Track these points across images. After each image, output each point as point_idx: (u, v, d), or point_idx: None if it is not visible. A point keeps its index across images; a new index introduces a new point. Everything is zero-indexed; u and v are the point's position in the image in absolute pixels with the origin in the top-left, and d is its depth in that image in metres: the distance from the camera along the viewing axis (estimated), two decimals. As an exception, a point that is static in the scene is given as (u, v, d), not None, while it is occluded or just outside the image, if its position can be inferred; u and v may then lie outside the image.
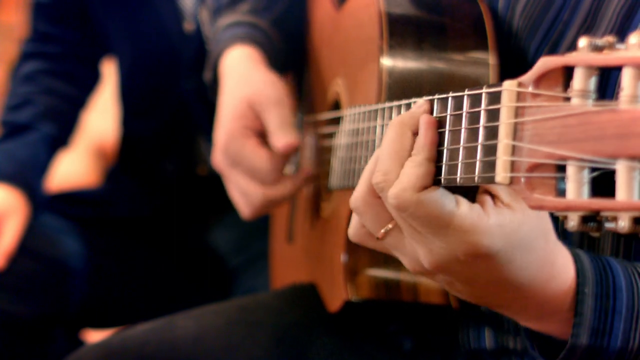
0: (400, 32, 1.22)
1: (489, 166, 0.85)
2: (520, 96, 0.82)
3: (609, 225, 0.74)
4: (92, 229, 2.12)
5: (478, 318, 1.29)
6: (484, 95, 0.88)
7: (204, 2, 1.87)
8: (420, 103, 0.99)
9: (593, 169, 0.76)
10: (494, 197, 0.94)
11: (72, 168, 2.94)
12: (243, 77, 1.53)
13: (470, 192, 0.95)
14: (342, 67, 1.45)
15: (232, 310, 1.44)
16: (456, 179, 0.91)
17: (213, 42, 1.64)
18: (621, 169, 0.71)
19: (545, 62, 0.80)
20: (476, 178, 0.88)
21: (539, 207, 0.78)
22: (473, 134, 0.89)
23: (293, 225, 1.67)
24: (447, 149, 0.94)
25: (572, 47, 1.14)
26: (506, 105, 0.83)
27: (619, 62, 0.73)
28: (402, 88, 1.20)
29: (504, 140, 0.82)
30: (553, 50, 1.17)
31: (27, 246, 1.98)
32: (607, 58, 0.74)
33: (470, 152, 0.89)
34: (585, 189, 0.75)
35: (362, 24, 1.33)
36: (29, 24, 2.22)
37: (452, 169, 0.92)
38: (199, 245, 2.20)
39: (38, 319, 1.96)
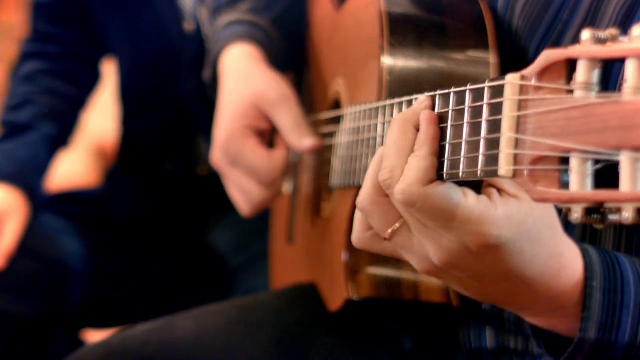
0: (401, 31, 1.22)
1: (492, 160, 0.85)
2: (523, 89, 0.82)
3: (612, 217, 0.74)
4: (92, 229, 2.12)
5: (479, 317, 1.29)
6: (486, 90, 0.88)
7: (204, 1, 1.87)
8: (421, 99, 0.99)
9: (596, 161, 0.76)
10: (499, 190, 0.94)
11: (72, 168, 2.94)
12: (244, 75, 1.53)
13: (475, 188, 0.95)
14: (342, 67, 1.46)
15: (232, 310, 1.44)
16: (459, 173, 0.91)
17: (212, 41, 1.64)
18: (625, 160, 0.71)
19: (548, 55, 0.80)
20: (479, 172, 0.88)
21: (542, 200, 0.78)
22: (475, 128, 0.89)
23: (293, 226, 1.67)
24: (450, 144, 0.94)
25: (572, 47, 1.14)
26: (509, 98, 0.83)
27: (622, 54, 0.73)
28: (402, 87, 1.20)
29: (507, 134, 0.82)
30: None
31: (27, 246, 1.98)
32: (611, 50, 0.74)
33: (473, 146, 0.89)
34: (589, 181, 0.75)
35: (363, 24, 1.33)
36: (29, 24, 2.22)
37: (455, 164, 0.92)
38: (199, 245, 2.20)
39: (38, 319, 1.95)
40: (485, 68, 1.20)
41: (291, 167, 1.56)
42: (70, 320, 2.04)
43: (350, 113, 1.32)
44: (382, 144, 1.15)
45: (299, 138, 1.46)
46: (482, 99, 0.89)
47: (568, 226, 1.01)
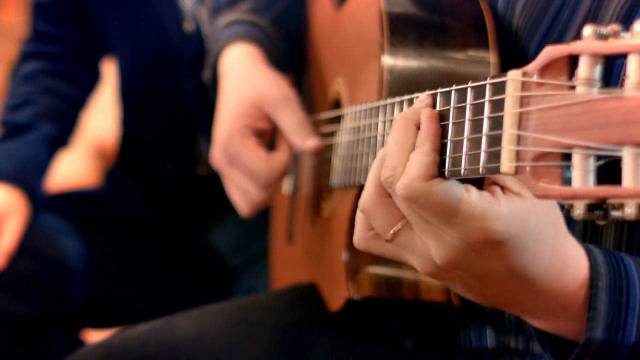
0: (401, 30, 1.22)
1: (494, 156, 0.85)
2: (525, 86, 0.82)
3: (615, 213, 0.74)
4: (92, 229, 2.12)
5: (479, 317, 1.29)
6: (488, 87, 0.88)
7: (203, 1, 1.87)
8: (422, 98, 0.99)
9: (598, 157, 0.75)
10: (502, 187, 0.93)
11: (72, 168, 2.94)
12: (244, 75, 1.53)
13: (478, 185, 0.94)
14: (342, 67, 1.46)
15: (232, 310, 1.44)
16: (460, 170, 0.91)
17: (212, 41, 1.64)
18: (627, 156, 0.71)
19: (549, 52, 0.80)
20: (481, 169, 0.88)
21: (544, 196, 0.78)
22: (477, 125, 0.89)
23: (293, 226, 1.67)
24: (451, 141, 0.93)
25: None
26: (511, 95, 0.83)
27: (624, 50, 0.73)
28: (403, 86, 1.20)
29: (508, 130, 0.82)
30: None
31: (27, 246, 1.98)
32: (612, 46, 0.74)
33: (475, 143, 0.89)
34: (591, 177, 0.75)
35: (363, 24, 1.33)
36: (29, 24, 2.22)
37: (456, 161, 0.92)
38: (199, 245, 2.20)
39: (38, 319, 1.95)
40: (486, 67, 1.20)
41: (290, 170, 1.56)
42: (70, 320, 2.04)
43: (350, 112, 1.32)
44: (382, 142, 1.15)
45: (302, 139, 1.46)
46: (483, 96, 0.89)
47: (570, 223, 1.01)
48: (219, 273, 2.18)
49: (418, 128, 0.97)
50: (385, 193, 0.98)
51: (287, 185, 1.61)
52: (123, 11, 2.12)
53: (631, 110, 0.71)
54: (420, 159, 0.93)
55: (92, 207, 2.17)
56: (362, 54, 1.32)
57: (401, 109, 1.09)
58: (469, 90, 0.92)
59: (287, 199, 1.70)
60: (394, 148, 0.96)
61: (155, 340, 1.38)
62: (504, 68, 1.20)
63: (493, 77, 0.87)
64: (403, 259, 1.02)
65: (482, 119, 0.88)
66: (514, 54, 1.22)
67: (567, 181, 0.78)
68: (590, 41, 0.76)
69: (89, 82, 2.23)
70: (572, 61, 0.78)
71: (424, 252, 0.97)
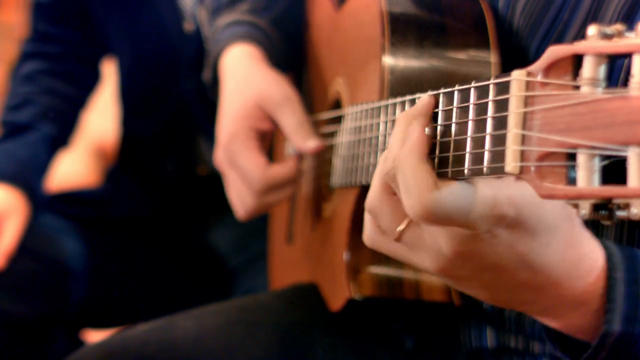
0: (402, 30, 1.22)
1: (498, 156, 0.85)
2: (529, 85, 0.82)
3: (620, 213, 0.74)
4: (92, 229, 2.12)
5: (480, 317, 1.29)
6: (491, 86, 0.88)
7: (203, 1, 1.87)
8: (424, 98, 0.99)
9: (603, 157, 0.75)
10: None
11: (72, 168, 2.94)
12: (245, 75, 1.53)
13: None
14: (342, 67, 1.46)
15: (232, 310, 1.43)
16: (464, 170, 0.91)
17: (212, 42, 1.64)
18: (632, 155, 0.71)
19: (554, 51, 0.80)
20: (485, 169, 0.87)
21: (550, 196, 0.78)
22: (480, 125, 0.89)
23: (292, 226, 1.67)
24: (454, 141, 0.93)
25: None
26: (515, 94, 0.83)
27: (628, 50, 0.73)
28: (404, 86, 1.20)
29: (513, 130, 0.82)
30: None
31: (27, 246, 1.98)
32: (617, 45, 0.74)
33: (478, 143, 0.89)
34: (596, 177, 0.75)
35: (363, 24, 1.33)
36: (29, 24, 2.22)
37: (460, 161, 0.92)
38: (199, 245, 2.20)
39: (38, 319, 1.96)
40: (486, 67, 1.20)
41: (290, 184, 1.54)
42: (70, 320, 2.04)
43: (351, 112, 1.32)
44: (384, 143, 1.15)
45: (303, 139, 1.46)
46: (487, 96, 0.88)
47: None
48: (219, 273, 2.18)
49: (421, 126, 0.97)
50: (390, 190, 0.97)
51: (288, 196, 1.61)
52: (123, 11, 2.12)
53: (636, 110, 0.71)
54: (415, 175, 0.92)
55: (92, 207, 2.17)
56: (363, 54, 1.32)
57: (403, 109, 1.09)
58: (472, 90, 0.92)
59: (287, 200, 1.70)
60: (397, 142, 0.96)
61: (155, 340, 1.37)
62: (504, 68, 1.20)
63: (497, 77, 0.87)
64: (413, 259, 1.00)
65: (485, 119, 0.88)
66: (515, 54, 1.22)
67: (572, 181, 0.78)
68: (594, 41, 0.76)
69: (89, 82, 2.23)
70: (577, 61, 0.78)
71: (434, 247, 0.96)
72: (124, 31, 2.13)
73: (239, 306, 1.45)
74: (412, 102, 1.06)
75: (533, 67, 0.82)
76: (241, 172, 1.49)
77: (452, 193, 0.90)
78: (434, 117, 0.99)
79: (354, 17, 1.41)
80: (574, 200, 0.76)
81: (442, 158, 0.94)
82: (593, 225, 1.13)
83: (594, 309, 0.99)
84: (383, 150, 1.15)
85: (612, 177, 0.76)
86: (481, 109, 0.90)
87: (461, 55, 1.21)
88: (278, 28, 1.64)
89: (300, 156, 1.51)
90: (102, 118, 2.70)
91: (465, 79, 0.98)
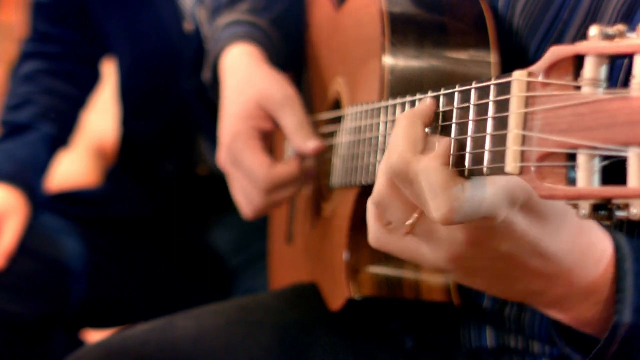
0: (402, 30, 1.23)
1: (499, 157, 0.85)
2: (530, 86, 0.82)
3: (620, 213, 0.74)
4: (92, 229, 2.12)
5: (480, 317, 1.29)
6: (492, 87, 0.88)
7: (203, 1, 1.87)
8: (425, 100, 0.99)
9: (603, 158, 0.76)
10: None
11: (72, 168, 2.94)
12: (246, 75, 1.53)
13: None
14: (342, 67, 1.46)
15: (232, 310, 1.43)
16: (464, 171, 0.91)
17: (212, 42, 1.64)
18: (633, 156, 0.71)
19: (555, 52, 0.80)
20: (485, 169, 0.88)
21: (550, 197, 0.78)
22: (481, 125, 0.89)
23: (292, 227, 1.67)
24: (455, 141, 0.93)
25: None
26: (516, 95, 0.83)
27: (630, 50, 0.73)
28: (404, 86, 1.20)
29: (514, 131, 0.82)
30: None
31: (27, 246, 1.98)
32: (619, 46, 0.74)
33: (479, 143, 0.89)
34: (596, 178, 0.75)
35: (363, 24, 1.33)
36: (29, 24, 2.22)
37: (460, 161, 0.92)
38: (199, 245, 2.20)
39: (38, 319, 1.95)
40: (487, 67, 1.20)
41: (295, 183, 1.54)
42: (70, 320, 2.04)
43: (351, 113, 1.32)
44: (384, 143, 1.15)
45: (303, 140, 1.46)
46: (488, 97, 0.89)
47: None
48: (219, 273, 2.18)
49: (424, 126, 0.96)
50: (397, 185, 0.97)
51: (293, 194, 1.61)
52: (123, 11, 2.12)
53: (637, 111, 0.71)
54: (441, 179, 0.92)
55: (92, 207, 2.17)
56: (363, 54, 1.32)
57: (403, 110, 1.09)
58: (473, 91, 0.92)
59: (287, 200, 1.70)
60: (401, 139, 0.95)
61: (155, 340, 1.37)
62: (504, 68, 1.20)
63: (498, 78, 0.87)
64: (423, 252, 0.99)
65: (486, 120, 0.88)
66: (515, 54, 1.22)
67: (572, 181, 0.78)
68: (596, 41, 0.76)
69: (89, 82, 2.23)
70: (578, 61, 0.78)
71: (449, 237, 0.96)
72: (124, 31, 2.13)
73: (239, 306, 1.45)
74: (413, 103, 1.06)
75: (534, 68, 0.82)
76: (246, 172, 1.49)
77: (475, 192, 0.90)
78: (435, 117, 1.00)
79: (354, 17, 1.41)
80: (574, 201, 0.76)
81: None
82: None
83: (604, 298, 0.99)
84: (383, 150, 1.15)
85: (612, 178, 0.76)
86: (482, 110, 0.90)
87: (461, 55, 1.21)
88: (278, 28, 1.64)
89: (302, 155, 1.51)
90: (102, 118, 2.70)
91: (465, 79, 0.98)
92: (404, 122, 0.96)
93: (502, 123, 0.85)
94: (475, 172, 0.90)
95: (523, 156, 0.82)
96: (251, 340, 1.37)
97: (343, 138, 1.36)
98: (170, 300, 2.15)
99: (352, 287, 1.28)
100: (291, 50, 1.67)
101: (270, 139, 1.54)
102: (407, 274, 1.27)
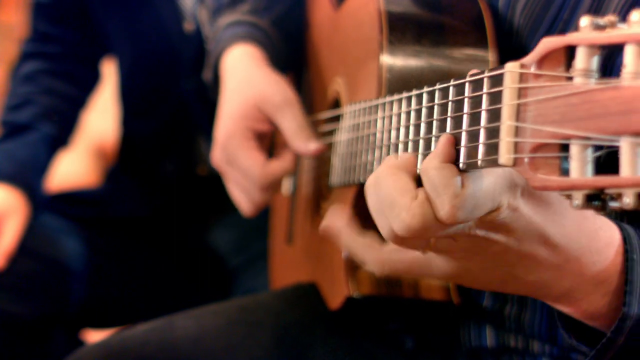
0: (400, 28, 1.23)
1: (492, 149, 0.85)
2: (522, 77, 0.82)
3: (613, 203, 0.74)
4: (92, 229, 2.12)
5: (479, 316, 1.28)
6: (485, 80, 0.88)
7: (203, 1, 1.88)
8: (405, 154, 0.98)
9: (596, 148, 0.76)
10: None
11: (72, 168, 2.94)
12: (246, 76, 1.53)
13: None
14: (341, 66, 1.46)
15: (232, 310, 1.43)
16: (459, 164, 0.91)
17: (213, 42, 1.64)
18: (625, 145, 0.71)
19: (547, 43, 0.80)
20: (479, 162, 0.88)
21: (543, 188, 0.78)
22: (475, 118, 0.89)
23: (292, 226, 1.67)
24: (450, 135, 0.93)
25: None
26: (509, 86, 0.83)
27: (621, 40, 0.73)
28: (402, 84, 1.20)
29: (506, 122, 0.82)
30: None
31: (27, 246, 1.98)
32: (610, 36, 0.74)
33: (473, 136, 0.89)
34: (589, 168, 0.75)
35: (362, 23, 1.33)
36: (29, 24, 2.22)
37: (456, 156, 0.92)
38: (199, 245, 2.20)
39: (38, 319, 1.95)
40: (484, 66, 1.20)
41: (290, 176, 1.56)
42: (70, 320, 2.04)
43: (350, 111, 1.33)
44: (381, 140, 1.15)
45: (303, 142, 1.46)
46: (481, 89, 0.89)
47: None
48: (219, 273, 2.18)
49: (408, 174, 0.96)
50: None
51: (286, 186, 1.61)
52: (123, 11, 2.12)
53: (628, 100, 0.71)
54: (441, 178, 0.92)
55: (92, 207, 2.17)
56: (362, 53, 1.32)
57: (400, 107, 1.09)
58: (467, 84, 0.92)
59: (287, 200, 1.70)
60: (395, 195, 0.94)
61: (155, 340, 1.37)
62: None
63: (491, 70, 0.88)
64: (436, 266, 1.00)
65: (480, 112, 0.88)
66: (515, 53, 1.21)
67: (565, 172, 0.78)
68: (587, 32, 0.76)
69: (89, 82, 2.23)
70: (570, 52, 0.79)
71: (465, 241, 0.95)
72: (124, 31, 2.14)
73: (239, 306, 1.45)
74: (409, 99, 1.06)
75: (526, 59, 0.82)
76: (241, 170, 1.49)
77: (475, 186, 0.90)
78: (430, 111, 1.00)
79: (352, 16, 1.41)
80: (567, 191, 0.76)
81: None
82: None
83: (612, 289, 0.99)
84: (380, 147, 1.15)
85: (605, 169, 0.76)
86: (476, 103, 0.90)
87: (459, 54, 1.21)
88: (278, 28, 1.64)
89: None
90: (102, 118, 2.71)
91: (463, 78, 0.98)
92: (390, 178, 0.95)
93: (495, 115, 0.85)
94: (470, 166, 0.90)
95: (516, 147, 0.82)
96: (251, 340, 1.37)
97: (341, 136, 1.36)
98: (170, 300, 2.15)
99: (352, 285, 1.28)
100: (291, 51, 1.67)
101: (268, 140, 1.54)
102: None
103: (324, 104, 1.53)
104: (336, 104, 1.47)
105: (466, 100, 0.91)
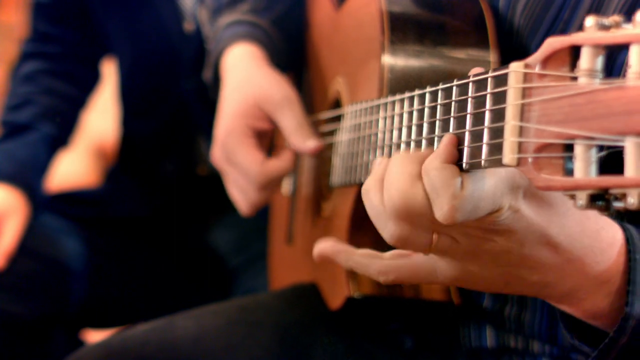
0: (402, 28, 1.23)
1: (496, 149, 0.85)
2: (527, 77, 0.82)
3: (617, 204, 0.74)
4: (92, 229, 2.12)
5: (479, 316, 1.29)
6: (489, 79, 0.88)
7: (203, 2, 1.87)
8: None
9: (600, 148, 0.76)
10: None
11: (72, 168, 2.94)
12: (246, 75, 1.53)
13: None
14: (342, 66, 1.46)
15: (232, 310, 1.43)
16: (462, 164, 0.91)
17: (213, 41, 1.64)
18: (629, 145, 0.71)
19: (551, 43, 0.80)
20: (483, 162, 0.88)
21: (547, 188, 0.78)
22: (479, 118, 0.89)
23: (292, 227, 1.67)
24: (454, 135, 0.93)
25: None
26: (513, 86, 0.83)
27: (626, 40, 0.73)
28: (403, 84, 1.20)
29: (511, 122, 0.82)
30: None
31: (27, 246, 1.98)
32: (614, 36, 0.74)
33: (476, 136, 0.89)
34: (593, 168, 0.75)
35: (363, 23, 1.33)
36: (29, 24, 2.22)
37: (459, 155, 0.92)
38: (199, 245, 2.20)
39: (38, 319, 1.95)
40: (486, 66, 1.20)
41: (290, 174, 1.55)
42: (70, 320, 2.04)
43: (351, 111, 1.33)
44: (383, 139, 1.15)
45: (302, 140, 1.46)
46: (485, 89, 0.89)
47: None
48: (219, 273, 2.18)
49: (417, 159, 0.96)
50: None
51: (286, 187, 1.61)
52: (123, 11, 2.12)
53: (633, 100, 0.71)
54: (440, 179, 0.92)
55: (92, 207, 2.17)
56: (362, 53, 1.32)
57: (402, 107, 1.09)
58: (470, 84, 0.92)
59: (287, 200, 1.70)
60: (395, 174, 0.94)
61: (155, 340, 1.37)
62: (505, 67, 1.20)
63: (495, 70, 0.87)
64: (438, 269, 1.00)
65: (483, 112, 0.88)
66: (516, 54, 1.22)
67: (569, 172, 0.78)
68: (592, 32, 0.76)
69: (89, 82, 2.23)
70: (574, 52, 0.79)
71: (467, 243, 0.96)
72: (124, 31, 2.14)
73: (239, 306, 1.45)
74: (411, 99, 1.06)
75: (531, 59, 0.82)
76: (239, 168, 1.49)
77: (475, 187, 0.90)
78: (433, 111, 1.00)
79: (353, 16, 1.41)
80: (571, 191, 0.76)
81: None
82: None
83: (615, 289, 0.99)
84: (382, 147, 1.15)
85: (608, 170, 0.76)
86: (479, 103, 0.90)
87: (460, 54, 1.21)
88: (279, 28, 1.64)
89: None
90: (102, 118, 2.71)
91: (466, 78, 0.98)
92: (398, 158, 0.96)
93: (499, 115, 0.85)
94: (473, 166, 0.90)
95: (520, 147, 0.82)
96: (251, 340, 1.37)
97: (342, 136, 1.36)
98: (170, 300, 2.15)
99: (352, 285, 1.28)
100: (292, 50, 1.67)
101: (268, 139, 1.54)
102: None
103: (324, 104, 1.53)
104: (337, 104, 1.47)
105: (469, 100, 0.91)
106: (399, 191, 0.94)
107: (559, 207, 0.94)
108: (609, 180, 0.73)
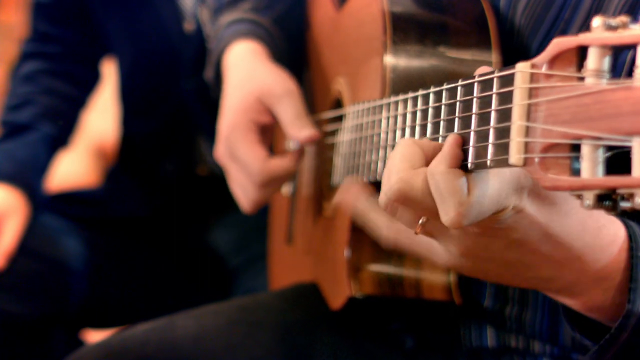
0: (403, 28, 1.23)
1: (502, 149, 0.85)
2: (533, 77, 0.82)
3: (624, 204, 0.74)
4: (92, 229, 2.12)
5: (480, 316, 1.29)
6: (495, 80, 0.88)
7: (204, 1, 1.87)
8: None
9: (607, 149, 0.76)
10: None
11: (72, 168, 2.94)
12: (249, 71, 1.53)
13: None
14: (343, 66, 1.46)
15: (232, 310, 1.43)
16: (467, 164, 0.91)
17: (214, 40, 1.64)
18: (637, 146, 0.71)
19: (558, 43, 0.80)
20: (489, 162, 0.88)
21: (554, 187, 0.78)
22: (484, 118, 0.89)
23: (292, 227, 1.67)
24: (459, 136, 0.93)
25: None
26: (519, 86, 0.83)
27: (633, 41, 0.73)
28: (405, 84, 1.20)
29: (517, 122, 0.82)
30: None
31: (27, 246, 1.98)
32: (622, 37, 0.74)
33: (482, 136, 0.89)
34: (600, 168, 0.75)
35: (364, 23, 1.33)
36: (29, 24, 2.22)
37: (464, 155, 0.92)
38: (199, 245, 2.20)
39: (38, 319, 1.95)
40: (488, 67, 1.20)
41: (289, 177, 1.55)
42: (70, 320, 2.04)
43: (353, 111, 1.33)
44: (385, 140, 1.15)
45: (299, 129, 1.45)
46: (490, 89, 0.89)
47: None
48: (219, 273, 2.18)
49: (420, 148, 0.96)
50: None
51: (287, 187, 1.61)
52: (123, 11, 2.12)
53: (641, 100, 0.71)
54: (446, 184, 0.91)
55: (92, 207, 2.17)
56: (364, 53, 1.32)
57: (405, 107, 1.09)
58: (476, 84, 0.92)
59: (287, 200, 1.70)
60: (398, 160, 0.94)
61: (155, 340, 1.37)
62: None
63: (501, 70, 0.88)
64: (435, 249, 1.00)
65: (489, 112, 0.88)
66: (517, 53, 1.22)
67: (576, 172, 0.78)
68: (599, 32, 0.76)
69: (89, 82, 2.23)
70: (581, 52, 0.79)
71: (460, 230, 0.95)
72: (124, 31, 2.14)
73: (239, 306, 1.45)
74: (415, 99, 1.06)
75: (537, 59, 0.82)
76: (241, 165, 1.49)
77: (481, 192, 0.90)
78: (437, 111, 1.00)
79: (355, 16, 1.41)
80: (578, 191, 0.76)
81: None
82: None
83: (616, 284, 0.99)
84: (385, 147, 1.15)
85: (615, 170, 0.76)
86: (485, 103, 0.90)
87: (462, 54, 1.21)
88: (280, 27, 1.64)
89: (301, 151, 1.50)
90: (102, 118, 2.71)
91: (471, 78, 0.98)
92: (401, 145, 0.96)
93: (505, 115, 0.85)
94: (479, 166, 0.90)
95: (527, 147, 0.82)
96: (251, 340, 1.37)
97: (344, 136, 1.36)
98: (170, 300, 2.15)
99: (353, 285, 1.28)
100: (292, 50, 1.67)
101: (270, 135, 1.54)
102: (408, 272, 1.27)
103: (325, 104, 1.53)
104: (338, 103, 1.47)
105: (475, 100, 0.91)
106: (387, 178, 0.94)
107: (562, 205, 0.94)
108: (616, 180, 0.73)
